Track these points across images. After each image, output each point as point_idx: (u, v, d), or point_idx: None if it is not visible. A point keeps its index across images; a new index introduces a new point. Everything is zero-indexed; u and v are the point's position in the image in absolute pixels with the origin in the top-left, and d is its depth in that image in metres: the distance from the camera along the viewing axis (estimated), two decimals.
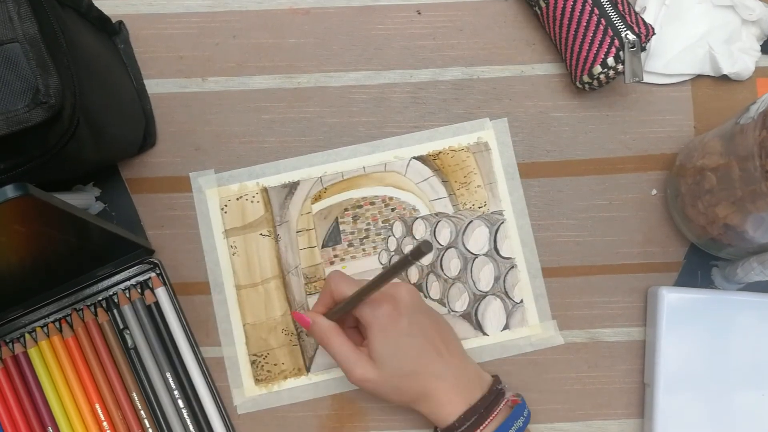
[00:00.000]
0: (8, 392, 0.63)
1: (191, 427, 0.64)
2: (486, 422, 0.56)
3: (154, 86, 0.68)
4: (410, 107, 0.69)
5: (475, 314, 0.67)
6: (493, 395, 0.57)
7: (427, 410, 0.57)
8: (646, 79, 0.67)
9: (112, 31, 0.67)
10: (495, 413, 0.56)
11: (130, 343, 0.65)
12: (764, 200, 0.51)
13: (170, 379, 0.64)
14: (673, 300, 0.63)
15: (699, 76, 0.68)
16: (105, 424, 0.63)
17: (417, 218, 0.68)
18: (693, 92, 0.68)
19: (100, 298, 0.66)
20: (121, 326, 0.65)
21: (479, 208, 0.67)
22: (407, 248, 0.67)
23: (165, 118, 0.68)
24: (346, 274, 0.60)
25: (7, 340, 0.65)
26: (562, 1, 0.64)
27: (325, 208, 0.68)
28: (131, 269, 0.66)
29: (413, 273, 0.67)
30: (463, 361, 0.59)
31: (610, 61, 0.62)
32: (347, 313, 0.58)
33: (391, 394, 0.57)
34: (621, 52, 0.62)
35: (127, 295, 0.66)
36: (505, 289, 0.67)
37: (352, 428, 0.66)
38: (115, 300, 0.66)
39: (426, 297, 0.67)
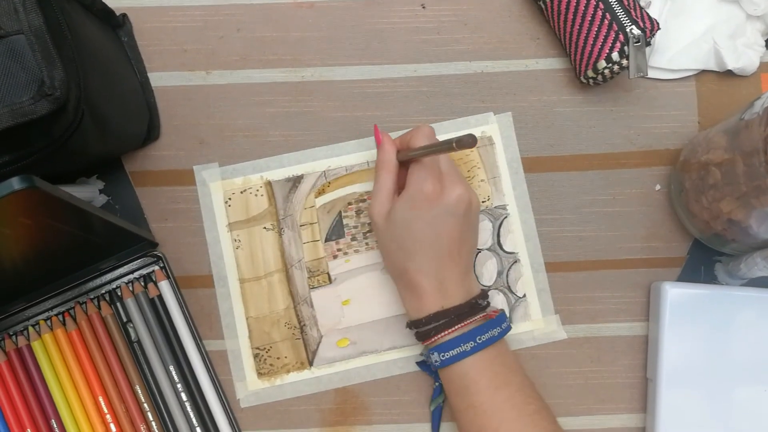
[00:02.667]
0: (12, 385, 0.63)
1: (194, 421, 0.64)
2: (454, 328, 0.57)
3: (157, 79, 0.68)
4: (414, 101, 0.68)
5: None
6: (468, 307, 0.58)
7: (404, 292, 0.60)
8: (651, 74, 0.67)
9: (115, 23, 0.67)
10: (467, 323, 0.57)
11: (133, 336, 0.65)
12: None
13: (173, 373, 0.64)
14: (675, 295, 0.63)
15: (703, 72, 0.68)
16: (108, 417, 0.63)
17: None
18: (697, 87, 0.68)
19: (103, 291, 0.66)
20: (125, 319, 0.65)
21: (483, 202, 0.67)
22: None
23: (169, 111, 0.68)
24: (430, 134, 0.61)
25: (11, 333, 0.65)
26: None
27: (328, 202, 0.68)
28: (135, 262, 0.66)
29: None
30: (461, 275, 0.59)
31: (615, 56, 0.62)
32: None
33: (384, 250, 0.61)
34: (626, 47, 0.62)
35: (131, 288, 0.66)
36: (508, 283, 0.67)
37: (354, 422, 0.66)
38: (119, 293, 0.66)
39: None
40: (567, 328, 0.66)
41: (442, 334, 0.57)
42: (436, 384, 0.64)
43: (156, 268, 0.66)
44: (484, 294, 0.60)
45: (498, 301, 0.66)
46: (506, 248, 0.67)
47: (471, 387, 0.57)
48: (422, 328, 0.58)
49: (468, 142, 0.49)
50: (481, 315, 0.58)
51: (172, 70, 0.69)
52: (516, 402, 0.56)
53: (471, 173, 0.68)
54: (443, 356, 0.57)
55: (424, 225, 0.57)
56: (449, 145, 0.51)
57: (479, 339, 0.56)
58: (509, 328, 0.59)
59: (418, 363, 0.65)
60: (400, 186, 0.60)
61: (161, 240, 0.67)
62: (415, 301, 0.59)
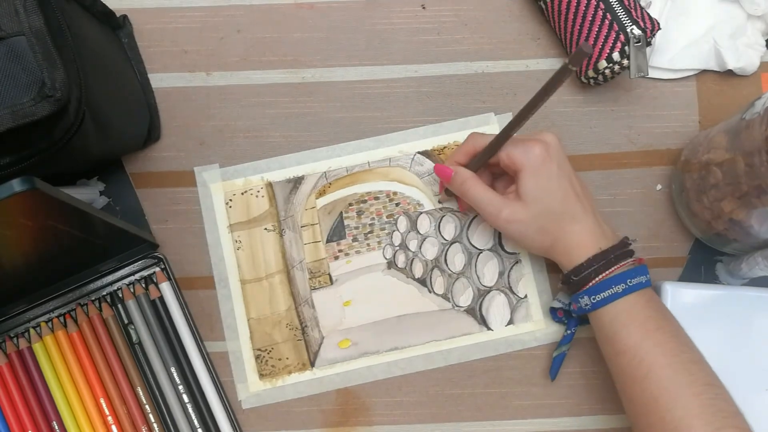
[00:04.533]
0: (13, 387, 0.63)
1: (196, 422, 0.64)
2: (613, 268, 0.56)
3: (158, 80, 0.68)
4: (415, 102, 0.68)
5: (480, 309, 0.67)
6: (623, 248, 0.58)
7: (561, 251, 0.59)
8: (651, 74, 0.67)
9: (116, 25, 0.67)
10: (621, 264, 0.57)
11: (134, 337, 0.65)
12: None
13: (175, 374, 0.64)
14: (677, 295, 0.63)
15: (704, 71, 0.68)
16: (110, 418, 0.63)
17: (421, 213, 0.68)
18: (698, 87, 0.68)
19: (104, 293, 0.66)
20: (126, 321, 0.65)
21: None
22: (412, 243, 0.67)
23: (169, 112, 0.68)
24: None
25: (12, 335, 0.65)
26: None
27: (329, 203, 0.68)
28: (135, 264, 0.66)
29: (418, 268, 0.67)
30: (596, 215, 0.60)
31: (616, 56, 0.62)
32: (484, 165, 0.61)
33: (534, 235, 0.59)
34: (626, 47, 0.62)
35: (132, 289, 0.66)
36: (509, 284, 0.67)
37: (356, 423, 0.66)
38: (120, 295, 0.66)
39: (430, 292, 0.67)
40: None
41: (601, 276, 0.57)
42: (567, 332, 0.64)
43: (157, 269, 0.66)
44: (627, 238, 0.60)
45: (500, 301, 0.66)
46: (507, 249, 0.67)
47: (621, 332, 0.55)
48: (583, 273, 0.57)
49: (586, 48, 0.46)
50: (632, 259, 0.58)
51: (172, 71, 0.69)
52: (668, 348, 0.54)
53: None
54: (594, 299, 0.57)
55: (558, 180, 0.58)
56: (562, 75, 0.50)
57: (629, 282, 0.56)
58: (650, 282, 0.58)
59: (551, 310, 0.65)
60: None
61: (162, 241, 0.67)
62: (574, 251, 0.58)
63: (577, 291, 0.58)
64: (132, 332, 0.65)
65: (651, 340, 0.54)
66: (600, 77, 0.64)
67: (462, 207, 0.67)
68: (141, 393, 0.64)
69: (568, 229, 0.58)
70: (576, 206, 0.58)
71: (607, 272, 0.56)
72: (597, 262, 0.57)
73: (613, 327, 0.56)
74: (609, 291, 0.56)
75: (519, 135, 0.59)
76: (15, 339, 0.65)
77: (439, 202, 0.68)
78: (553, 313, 0.65)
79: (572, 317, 0.63)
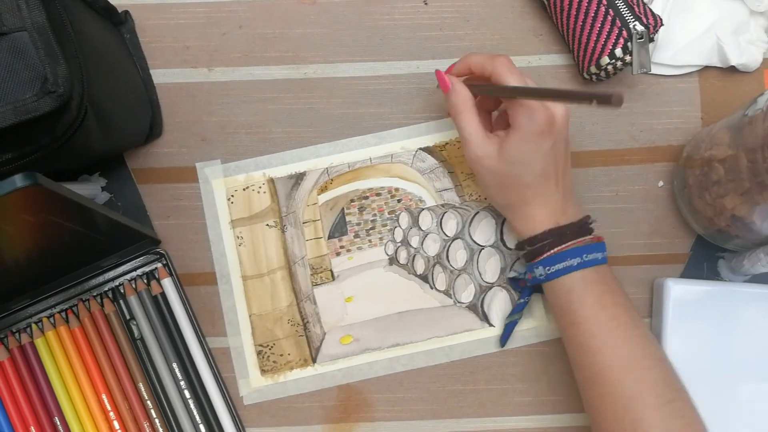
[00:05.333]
0: (15, 382, 0.63)
1: (197, 418, 0.64)
2: (568, 243, 0.57)
3: (160, 76, 0.68)
4: (417, 98, 0.68)
5: (481, 305, 0.67)
6: (581, 226, 0.58)
7: (519, 218, 0.59)
8: (654, 70, 0.67)
9: (117, 20, 0.66)
10: (578, 240, 0.57)
11: (136, 333, 0.65)
12: None
13: (176, 370, 0.64)
14: (679, 292, 0.63)
15: (706, 68, 0.68)
16: (112, 414, 0.63)
17: (423, 209, 0.68)
18: (700, 83, 0.68)
19: (106, 289, 0.66)
20: (128, 317, 0.65)
21: (485, 199, 0.67)
22: (414, 239, 0.67)
23: (171, 108, 0.68)
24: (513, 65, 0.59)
25: (14, 331, 0.65)
26: None
27: (331, 199, 0.68)
28: (137, 260, 0.66)
29: (419, 264, 0.67)
30: (566, 194, 0.59)
31: (618, 52, 0.62)
32: (485, 98, 0.60)
33: (495, 189, 0.59)
34: (629, 43, 0.62)
35: (134, 285, 0.66)
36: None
37: (358, 419, 0.66)
38: (122, 290, 0.66)
39: (432, 288, 0.67)
40: None
41: (556, 249, 0.57)
42: (520, 300, 0.64)
43: (159, 265, 0.66)
44: (589, 217, 0.60)
45: (501, 297, 0.66)
46: (509, 245, 0.67)
47: (575, 303, 0.56)
48: (537, 244, 0.58)
49: (615, 100, 0.44)
50: (590, 236, 0.58)
51: (174, 67, 0.69)
52: (622, 322, 0.55)
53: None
54: (548, 270, 0.57)
55: (543, 156, 0.57)
56: (584, 98, 0.48)
57: (585, 257, 0.56)
58: (606, 260, 0.58)
59: (509, 278, 0.66)
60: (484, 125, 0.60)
61: (164, 237, 0.67)
62: (530, 222, 0.58)
63: (532, 261, 0.58)
64: (134, 328, 0.65)
65: (605, 314, 0.55)
66: (602, 73, 0.64)
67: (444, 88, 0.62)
68: (143, 388, 0.64)
69: (531, 200, 0.58)
70: (547, 185, 0.58)
71: (562, 246, 0.57)
72: (552, 236, 0.57)
73: (568, 298, 0.56)
74: (564, 263, 0.56)
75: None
76: (17, 334, 0.65)
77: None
78: (515, 283, 0.66)
79: (527, 287, 0.63)
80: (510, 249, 0.67)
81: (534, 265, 0.58)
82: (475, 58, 0.60)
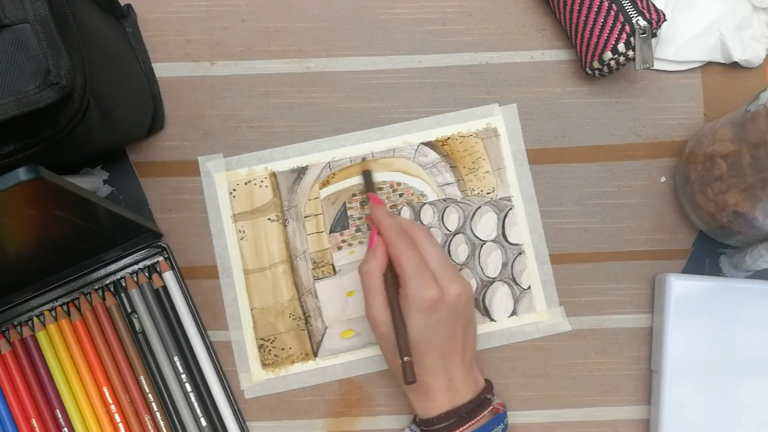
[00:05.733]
0: (17, 375, 0.63)
1: (198, 411, 0.64)
2: (465, 425, 0.56)
3: (162, 70, 0.68)
4: (419, 93, 0.68)
5: (483, 300, 0.67)
6: (479, 402, 0.58)
7: (411, 392, 0.58)
8: (657, 65, 0.67)
9: (120, 14, 0.66)
10: (478, 419, 0.57)
11: (137, 326, 0.65)
12: None
13: (178, 363, 0.64)
14: (680, 287, 0.63)
15: (709, 63, 0.68)
16: (113, 407, 0.64)
17: (425, 204, 0.68)
18: (703, 79, 0.68)
19: (107, 282, 0.66)
20: (129, 310, 0.65)
21: (487, 193, 0.67)
22: None
23: (173, 102, 0.68)
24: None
25: (16, 324, 0.65)
26: None
27: (333, 194, 0.68)
28: (139, 253, 0.66)
29: None
30: (467, 369, 0.59)
31: (621, 47, 0.62)
32: None
33: (387, 354, 0.59)
34: (632, 39, 0.62)
35: (135, 279, 0.66)
36: (512, 275, 0.67)
37: (359, 413, 0.66)
38: (123, 284, 0.66)
39: None
40: (572, 320, 0.66)
41: None
42: None
43: (160, 258, 0.66)
44: (489, 386, 0.60)
45: (503, 292, 0.66)
46: (511, 240, 0.67)
47: None
48: (433, 427, 0.57)
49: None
50: (489, 409, 0.58)
51: (176, 60, 0.68)
52: None
53: (476, 165, 0.67)
54: None
55: (430, 331, 0.56)
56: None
57: None
58: (506, 425, 0.59)
59: None
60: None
61: (165, 231, 0.67)
62: (424, 401, 0.58)
63: None
64: (135, 321, 0.65)
65: None
66: (605, 69, 0.64)
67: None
68: (144, 382, 0.64)
69: (426, 379, 0.57)
70: (439, 363, 0.57)
71: (462, 427, 0.56)
72: (448, 418, 0.56)
73: None
74: None
75: (440, 264, 0.58)
76: (18, 327, 0.65)
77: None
78: None
79: None
80: (512, 244, 0.67)
81: None
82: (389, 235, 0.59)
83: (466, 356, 0.59)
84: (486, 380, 0.61)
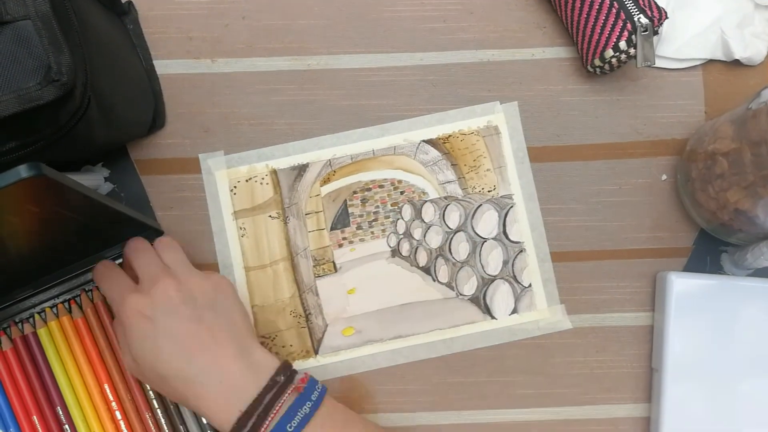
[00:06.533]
0: (18, 373, 0.63)
1: None
2: (266, 423, 0.50)
3: (163, 67, 0.68)
4: (420, 90, 0.68)
5: (484, 298, 0.67)
6: (272, 390, 0.51)
7: (202, 415, 0.54)
8: (658, 63, 0.67)
9: (121, 11, 0.66)
10: (277, 408, 0.51)
11: None
12: None
13: None
14: (681, 285, 0.63)
15: (710, 61, 0.68)
16: (114, 404, 0.63)
17: (426, 201, 0.68)
18: (704, 77, 0.68)
19: None
20: None
21: (488, 191, 0.67)
22: (416, 231, 0.67)
23: (174, 99, 0.68)
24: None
25: (17, 321, 0.65)
26: None
27: (333, 191, 0.68)
28: None
29: (422, 256, 0.67)
30: (236, 358, 0.52)
31: (622, 44, 0.62)
32: None
33: (159, 391, 0.55)
34: (633, 36, 0.62)
35: None
36: (513, 273, 0.67)
37: (360, 410, 0.66)
38: None
39: (434, 280, 0.67)
40: (572, 318, 0.66)
41: (263, 429, 0.50)
42: None
43: None
44: (282, 367, 0.54)
45: (504, 290, 0.66)
46: (512, 237, 0.67)
47: None
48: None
49: None
50: (288, 392, 0.52)
51: (177, 57, 0.68)
52: None
53: (477, 162, 0.67)
54: None
55: (159, 340, 0.51)
56: None
57: (290, 427, 0.50)
58: (324, 390, 0.54)
59: None
60: None
61: (166, 228, 0.67)
62: (213, 416, 0.51)
63: None
64: None
65: None
66: (606, 66, 0.64)
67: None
68: None
69: (190, 393, 0.51)
70: (192, 368, 0.51)
71: (264, 426, 0.50)
72: (244, 425, 0.50)
73: None
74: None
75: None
76: (20, 324, 0.65)
77: None
78: None
79: None
80: (513, 242, 0.67)
81: None
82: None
83: (227, 348, 0.52)
84: (281, 360, 0.55)
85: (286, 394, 0.51)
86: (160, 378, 0.52)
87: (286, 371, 0.53)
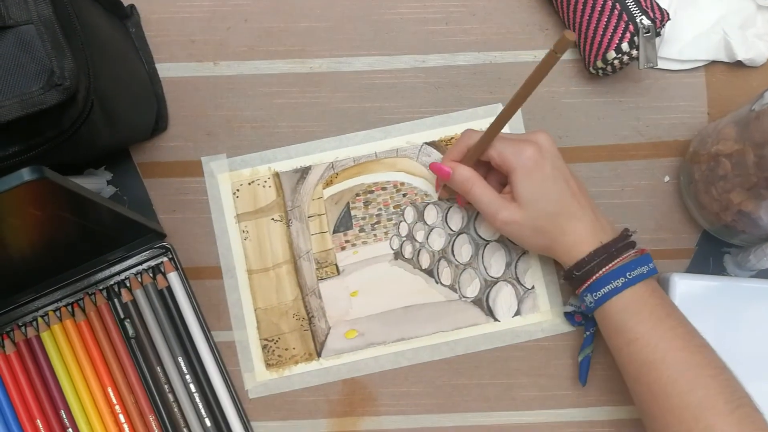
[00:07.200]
0: (21, 376, 0.63)
1: (203, 411, 0.64)
2: (615, 261, 0.56)
3: (165, 70, 0.68)
4: (422, 92, 0.68)
5: (487, 300, 0.67)
6: (624, 240, 0.58)
7: (561, 250, 0.59)
8: (660, 65, 0.66)
9: (123, 14, 0.66)
10: (625, 255, 0.57)
11: (130, 332, 0.65)
12: None
13: (182, 364, 0.65)
14: (684, 287, 0.62)
15: (713, 62, 0.68)
16: (117, 407, 0.64)
17: (428, 203, 0.68)
18: (707, 78, 0.68)
19: (112, 283, 0.66)
20: (122, 316, 0.65)
21: None
22: (419, 233, 0.67)
23: (177, 102, 0.68)
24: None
25: (20, 324, 0.65)
26: None
27: (336, 194, 0.68)
28: (143, 253, 0.66)
29: (425, 258, 0.67)
30: (595, 210, 0.60)
31: (625, 46, 0.62)
32: (479, 161, 0.61)
33: (531, 236, 0.60)
34: (635, 38, 0.62)
35: (139, 279, 0.66)
36: (516, 275, 0.67)
37: (362, 413, 0.66)
38: (127, 284, 0.66)
39: (437, 283, 0.67)
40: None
41: (604, 269, 0.56)
42: (587, 333, 0.64)
43: (164, 259, 0.66)
44: (628, 230, 0.60)
45: (507, 292, 0.66)
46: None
47: (630, 321, 0.55)
48: (585, 267, 0.57)
49: (568, 40, 0.48)
50: (633, 251, 0.58)
51: (179, 61, 0.69)
52: (679, 333, 0.54)
53: None
54: (596, 296, 0.57)
55: (552, 182, 0.58)
56: (548, 61, 0.50)
57: (629, 275, 0.56)
58: (655, 270, 0.58)
59: (566, 314, 0.66)
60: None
61: (169, 231, 0.67)
62: (574, 248, 0.58)
63: (581, 287, 0.58)
64: (127, 326, 0.65)
65: (663, 326, 0.55)
66: (609, 68, 0.64)
67: (461, 202, 0.67)
68: (148, 382, 0.64)
69: (566, 228, 0.58)
70: (573, 205, 0.58)
71: (609, 265, 0.56)
72: (599, 255, 0.57)
73: (622, 318, 0.56)
74: (609, 286, 0.56)
75: (513, 135, 0.59)
76: (23, 328, 0.65)
77: (439, 199, 0.68)
78: (570, 318, 0.65)
79: (588, 318, 0.63)
80: (515, 244, 0.67)
81: (583, 294, 0.58)
82: (459, 141, 0.62)
83: (586, 195, 0.60)
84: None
85: (633, 251, 0.58)
86: (546, 215, 0.58)
87: (631, 234, 0.60)
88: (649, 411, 0.55)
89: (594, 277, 0.57)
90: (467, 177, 0.60)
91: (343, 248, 0.68)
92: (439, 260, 0.67)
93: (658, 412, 0.54)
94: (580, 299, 0.59)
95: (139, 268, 0.66)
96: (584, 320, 0.65)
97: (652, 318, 0.55)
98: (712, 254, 0.67)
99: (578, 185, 0.60)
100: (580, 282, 0.58)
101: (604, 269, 0.56)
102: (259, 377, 0.66)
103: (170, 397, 0.65)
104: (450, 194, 0.67)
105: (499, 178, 0.63)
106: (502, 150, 0.58)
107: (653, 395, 0.54)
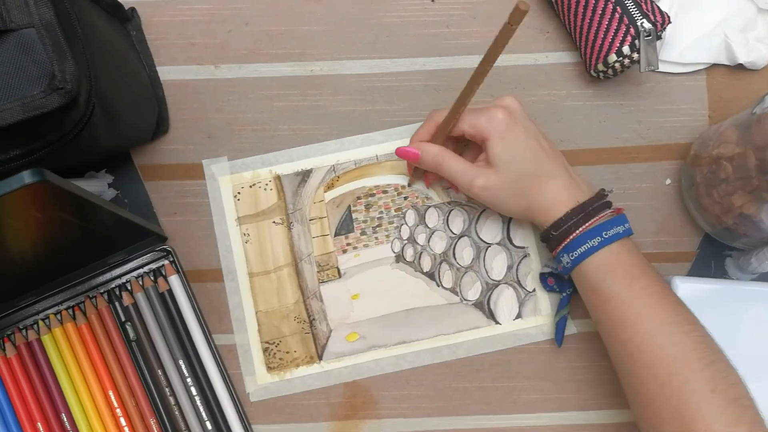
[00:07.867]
0: (22, 379, 0.63)
1: (204, 415, 0.64)
2: (592, 221, 0.57)
3: (166, 73, 0.68)
4: (423, 95, 0.68)
5: (488, 303, 0.66)
6: (601, 199, 0.59)
7: (539, 210, 0.60)
8: (661, 68, 0.67)
9: (124, 17, 0.66)
10: (601, 216, 0.58)
11: (131, 334, 0.65)
12: None
13: (183, 367, 0.64)
14: (686, 290, 0.62)
15: (714, 65, 0.68)
16: (118, 411, 0.64)
17: (430, 206, 0.68)
18: (708, 81, 0.68)
19: (113, 286, 0.66)
20: (123, 319, 0.65)
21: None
22: (420, 236, 0.67)
23: (178, 105, 0.68)
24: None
25: (21, 327, 0.65)
26: None
27: (337, 197, 0.68)
28: (144, 256, 0.66)
29: (426, 261, 0.67)
30: (569, 170, 0.61)
31: (626, 49, 0.62)
32: (447, 138, 0.62)
33: (510, 199, 0.60)
34: (636, 41, 0.62)
35: (140, 282, 0.66)
36: (517, 278, 0.67)
37: (363, 416, 0.66)
38: (128, 287, 0.66)
39: (438, 285, 0.67)
40: (576, 323, 0.66)
41: (581, 228, 0.57)
42: (563, 294, 0.64)
43: (165, 262, 0.66)
44: (603, 190, 0.61)
45: (508, 295, 0.66)
46: (516, 243, 0.67)
47: (606, 280, 0.56)
48: (563, 226, 0.58)
49: (521, 10, 0.50)
50: (609, 211, 0.59)
51: (180, 64, 0.69)
52: (654, 291, 0.55)
53: None
54: (572, 256, 0.58)
55: (525, 144, 0.59)
56: (504, 34, 0.53)
57: (605, 234, 0.57)
58: (631, 231, 0.58)
59: (541, 277, 0.66)
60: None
61: (170, 234, 0.67)
62: (553, 210, 0.59)
63: (557, 247, 0.59)
64: (128, 329, 0.65)
65: (637, 285, 0.55)
66: (609, 71, 0.64)
67: (428, 182, 0.68)
68: (149, 385, 0.64)
69: (543, 188, 0.59)
70: (547, 164, 0.59)
71: (586, 224, 0.57)
72: (576, 215, 0.58)
73: (598, 276, 0.57)
74: (585, 246, 0.57)
75: (479, 105, 0.60)
76: (24, 331, 0.65)
77: (409, 185, 0.68)
78: (544, 281, 0.66)
79: (564, 280, 0.64)
80: (517, 246, 0.67)
81: (560, 254, 0.59)
82: (427, 121, 0.63)
83: (558, 155, 0.61)
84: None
85: (609, 210, 0.59)
86: (523, 176, 0.59)
87: (606, 193, 0.60)
88: (626, 369, 0.55)
89: (571, 237, 0.58)
90: (436, 152, 0.61)
91: (344, 251, 0.68)
92: (440, 263, 0.67)
93: (633, 368, 0.54)
94: (557, 260, 0.60)
95: (140, 271, 0.66)
96: (557, 284, 0.65)
97: (626, 276, 0.56)
98: (714, 257, 0.67)
99: (550, 145, 0.61)
100: (557, 242, 0.59)
101: (581, 228, 0.57)
102: (260, 380, 0.66)
103: (171, 400, 0.65)
104: (419, 178, 0.67)
105: (473, 154, 0.64)
106: (473, 120, 0.59)
107: (629, 353, 0.55)
